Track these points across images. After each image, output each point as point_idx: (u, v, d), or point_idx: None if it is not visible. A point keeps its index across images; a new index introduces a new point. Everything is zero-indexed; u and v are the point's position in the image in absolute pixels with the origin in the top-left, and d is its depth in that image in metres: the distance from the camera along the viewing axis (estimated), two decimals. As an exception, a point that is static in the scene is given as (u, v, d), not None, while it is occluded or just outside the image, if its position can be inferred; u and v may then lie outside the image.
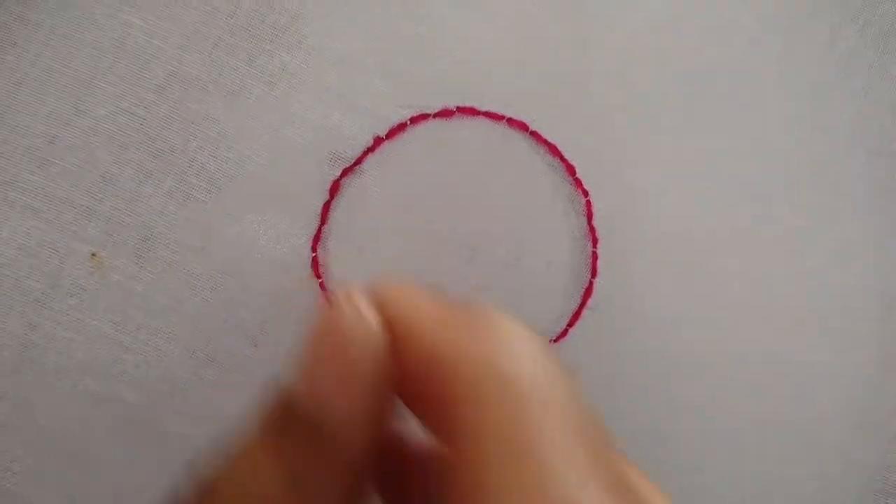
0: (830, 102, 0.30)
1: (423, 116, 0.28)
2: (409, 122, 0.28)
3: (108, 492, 0.29)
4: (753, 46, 0.30)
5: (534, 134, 0.28)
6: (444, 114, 0.28)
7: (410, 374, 0.16)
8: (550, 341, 0.29)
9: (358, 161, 0.28)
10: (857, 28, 0.31)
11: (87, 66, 0.26)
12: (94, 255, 0.27)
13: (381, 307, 0.16)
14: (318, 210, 0.27)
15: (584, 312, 0.29)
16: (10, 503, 0.28)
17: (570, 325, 0.29)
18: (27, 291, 0.27)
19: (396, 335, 0.16)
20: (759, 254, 0.30)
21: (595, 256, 0.29)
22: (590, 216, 0.29)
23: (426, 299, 0.16)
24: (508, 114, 0.28)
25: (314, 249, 0.27)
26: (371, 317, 0.16)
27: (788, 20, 0.30)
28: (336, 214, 0.28)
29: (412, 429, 0.17)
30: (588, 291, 0.29)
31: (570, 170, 0.29)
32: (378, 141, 0.28)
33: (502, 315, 0.16)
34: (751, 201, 0.30)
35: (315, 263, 0.27)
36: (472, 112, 0.28)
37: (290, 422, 0.16)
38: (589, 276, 0.29)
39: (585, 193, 0.29)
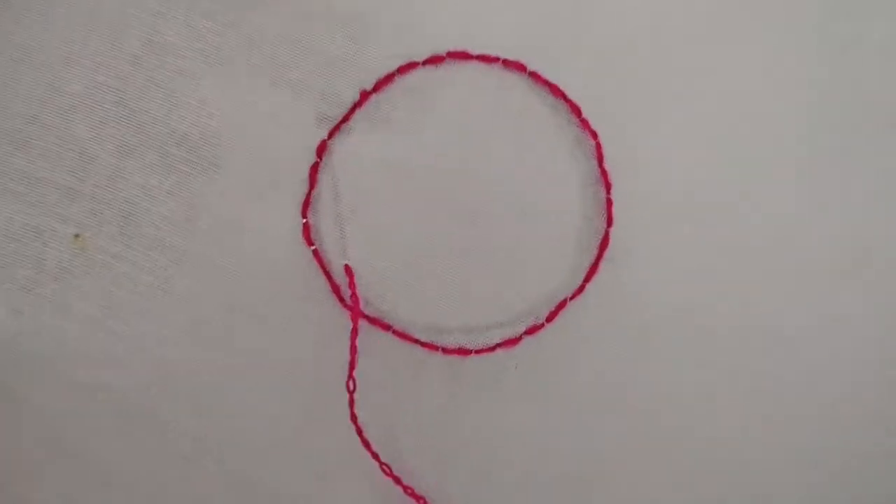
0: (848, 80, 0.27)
1: (412, 65, 0.26)
2: (396, 73, 0.26)
3: (102, 482, 0.27)
4: None
5: (533, 75, 0.26)
6: (434, 60, 0.26)
7: None
8: (567, 299, 0.26)
9: (345, 119, 0.26)
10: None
11: (61, 41, 0.25)
12: (77, 236, 0.26)
13: None
14: (307, 173, 0.26)
15: (602, 265, 0.26)
16: (3, 496, 0.27)
17: (587, 279, 0.26)
18: (11, 277, 0.26)
19: None
20: (773, 194, 0.27)
21: (610, 203, 0.26)
22: (600, 159, 0.26)
23: None
24: (505, 57, 0.26)
25: (304, 215, 0.26)
26: None
27: None
28: (325, 177, 0.26)
29: None
30: (604, 242, 0.26)
31: (576, 110, 0.26)
32: (365, 95, 0.26)
33: None
34: (766, 141, 0.27)
35: (306, 230, 0.26)
36: (463, 56, 0.26)
37: None
38: (605, 224, 0.26)
39: (594, 135, 0.26)
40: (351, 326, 0.26)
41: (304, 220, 0.26)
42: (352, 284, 0.26)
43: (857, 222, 0.27)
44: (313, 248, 0.26)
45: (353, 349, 0.26)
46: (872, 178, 0.27)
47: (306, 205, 0.26)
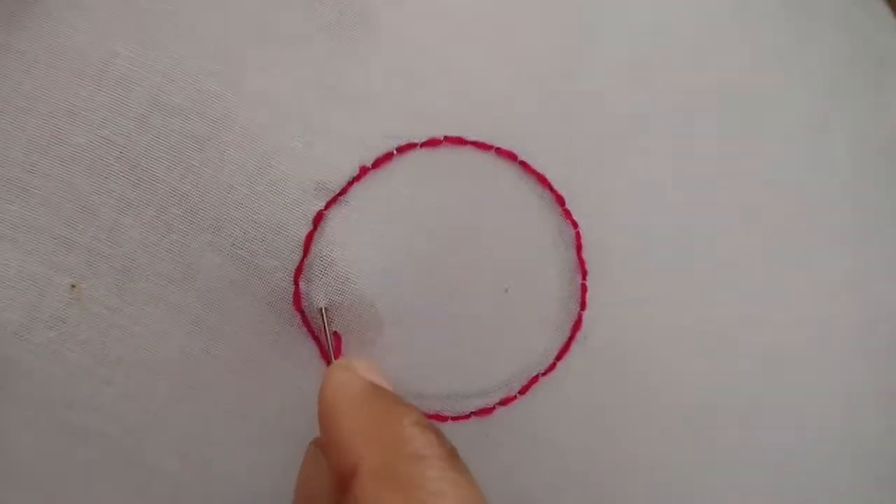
0: (822, 133, 0.30)
1: (411, 146, 0.27)
2: (395, 152, 0.27)
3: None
4: (744, 75, 0.29)
5: (523, 164, 0.28)
6: (432, 143, 0.27)
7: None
8: (539, 375, 0.29)
9: (343, 191, 0.27)
10: (846, 55, 0.30)
11: (69, 94, 0.26)
12: (73, 286, 0.27)
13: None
14: (301, 241, 0.27)
15: (573, 346, 0.28)
16: None
17: (559, 358, 0.28)
18: (5, 323, 0.26)
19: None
20: (747, 286, 0.29)
21: (584, 289, 0.28)
22: (579, 248, 0.28)
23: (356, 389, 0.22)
24: (497, 144, 0.27)
25: (296, 282, 0.27)
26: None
27: (778, 50, 0.30)
28: (319, 246, 0.27)
29: None
30: (577, 324, 0.28)
31: (560, 200, 0.28)
32: (364, 170, 0.27)
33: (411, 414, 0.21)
34: (740, 231, 0.29)
35: (297, 296, 0.27)
36: (459, 142, 0.27)
37: None
38: (578, 308, 0.28)
39: (575, 225, 0.28)
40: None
41: (295, 287, 0.27)
42: (338, 350, 0.27)
43: (827, 307, 0.30)
44: (303, 313, 0.27)
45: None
46: (846, 266, 0.30)
47: (299, 271, 0.27)
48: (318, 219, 0.27)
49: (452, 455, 0.20)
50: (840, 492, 0.31)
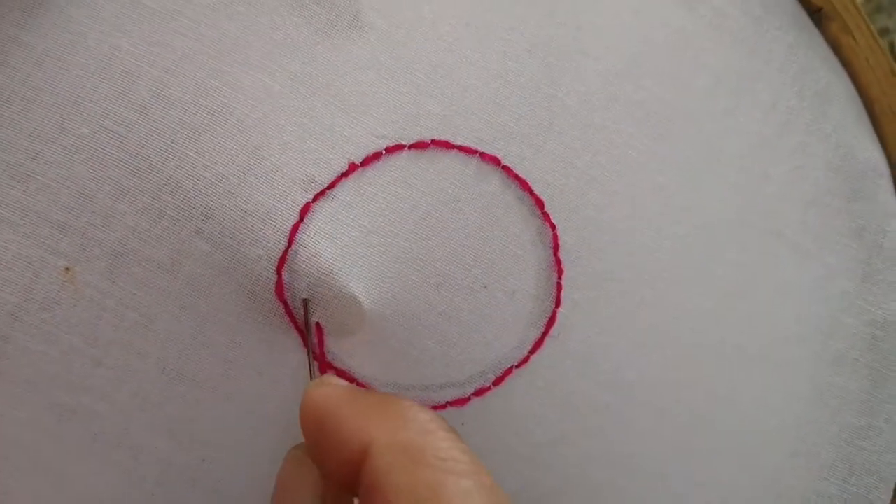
0: (772, 154, 0.32)
1: (399, 147, 0.29)
2: (384, 152, 0.29)
3: (75, 502, 0.29)
4: (706, 99, 0.32)
5: (506, 169, 0.29)
6: (419, 146, 0.29)
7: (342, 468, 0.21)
8: (513, 367, 0.30)
9: (331, 185, 0.28)
10: (795, 91, 0.33)
11: (74, 86, 0.27)
12: (67, 269, 0.28)
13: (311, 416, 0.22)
14: (287, 232, 0.28)
15: (546, 341, 0.30)
16: None
17: (533, 351, 0.30)
18: (1, 304, 0.27)
19: (325, 435, 0.22)
20: (707, 290, 0.31)
21: (559, 287, 0.30)
22: (556, 248, 0.30)
23: (343, 394, 0.23)
24: (482, 149, 0.29)
25: (279, 272, 0.28)
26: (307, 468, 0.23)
27: (738, 81, 0.32)
28: (304, 237, 0.28)
29: None
30: (551, 320, 0.30)
31: (539, 204, 0.30)
32: (353, 167, 0.28)
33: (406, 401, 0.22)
34: (701, 239, 0.31)
35: (279, 286, 0.28)
36: (446, 146, 0.29)
37: None
38: (553, 305, 0.30)
39: (553, 227, 0.30)
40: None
41: (279, 277, 0.28)
42: (321, 341, 0.28)
43: (781, 315, 0.32)
44: (285, 303, 0.28)
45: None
46: (798, 278, 0.32)
47: (282, 262, 0.28)
48: (305, 210, 0.28)
49: (454, 431, 0.21)
50: (803, 480, 0.33)
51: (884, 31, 0.52)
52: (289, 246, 0.28)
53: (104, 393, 0.28)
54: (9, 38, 0.27)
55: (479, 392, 0.30)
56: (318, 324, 0.28)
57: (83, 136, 0.27)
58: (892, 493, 0.33)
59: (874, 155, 0.34)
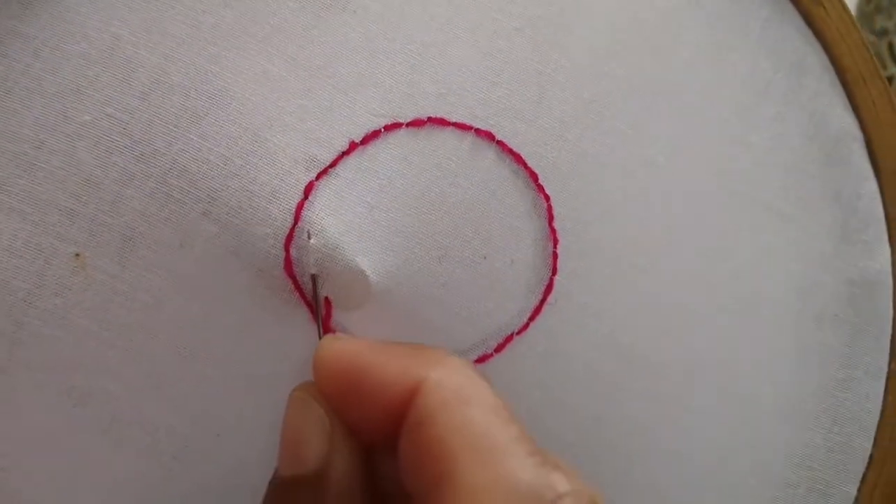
0: (752, 123, 0.34)
1: (396, 125, 0.30)
2: (382, 130, 0.29)
3: (97, 486, 0.30)
4: (687, 72, 0.33)
5: (500, 144, 0.30)
6: (416, 123, 0.30)
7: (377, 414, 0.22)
8: (513, 334, 0.31)
9: (333, 164, 0.29)
10: (771, 62, 0.34)
11: (75, 75, 0.27)
12: (77, 255, 0.28)
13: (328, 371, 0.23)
14: (293, 210, 0.29)
15: (545, 308, 0.31)
16: (3, 499, 0.29)
17: (531, 319, 0.31)
18: (14, 291, 0.28)
19: (351, 385, 0.22)
20: (694, 254, 0.33)
21: (555, 256, 0.31)
22: (550, 219, 0.31)
23: (368, 344, 0.23)
24: (476, 125, 0.30)
25: (286, 249, 0.29)
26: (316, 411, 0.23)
27: (717, 53, 0.33)
28: (309, 214, 0.29)
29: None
30: (548, 288, 0.31)
31: (534, 176, 0.31)
32: (353, 146, 0.29)
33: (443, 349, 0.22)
34: (688, 206, 0.33)
35: (288, 263, 0.29)
36: (442, 122, 0.30)
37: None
38: (550, 273, 0.31)
39: (547, 198, 0.31)
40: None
41: (286, 253, 0.29)
42: (329, 315, 0.29)
43: (762, 279, 0.34)
44: (294, 279, 0.29)
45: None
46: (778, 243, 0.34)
47: (289, 239, 0.29)
48: (309, 189, 0.29)
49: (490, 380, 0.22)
50: (791, 431, 0.34)
51: (883, 32, 0.53)
52: (295, 223, 0.29)
53: (118, 374, 0.29)
54: (7, 30, 0.27)
55: (482, 359, 0.31)
56: (326, 298, 0.29)
57: (86, 123, 0.28)
58: (872, 440, 0.35)
59: (847, 121, 0.35)
